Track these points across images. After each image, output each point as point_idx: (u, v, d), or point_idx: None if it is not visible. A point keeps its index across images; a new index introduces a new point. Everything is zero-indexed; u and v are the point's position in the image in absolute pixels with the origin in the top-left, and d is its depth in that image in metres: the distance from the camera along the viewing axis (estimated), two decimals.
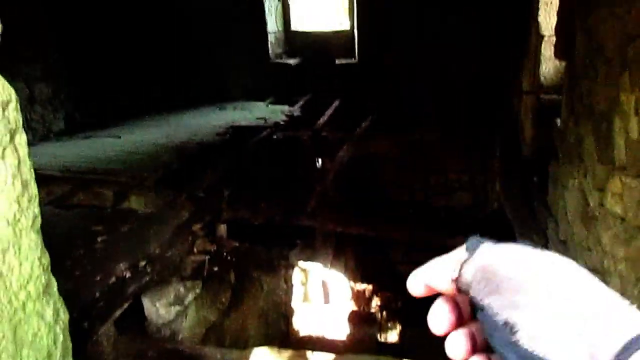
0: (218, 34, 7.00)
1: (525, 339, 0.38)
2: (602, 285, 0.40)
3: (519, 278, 0.41)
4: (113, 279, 2.91)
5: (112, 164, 4.65)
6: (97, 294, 2.76)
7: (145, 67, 6.90)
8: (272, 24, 7.09)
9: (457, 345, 0.45)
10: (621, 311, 0.38)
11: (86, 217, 3.77)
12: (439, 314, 0.46)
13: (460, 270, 0.43)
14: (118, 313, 2.82)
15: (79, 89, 6.14)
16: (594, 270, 2.42)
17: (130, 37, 6.66)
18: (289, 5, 7.35)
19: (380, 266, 7.34)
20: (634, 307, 0.39)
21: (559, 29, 3.35)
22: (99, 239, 3.37)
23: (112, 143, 5.36)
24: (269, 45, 7.05)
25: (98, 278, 2.88)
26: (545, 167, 3.53)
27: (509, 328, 0.39)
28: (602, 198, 2.34)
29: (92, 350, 2.60)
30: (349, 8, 7.11)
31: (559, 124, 3.32)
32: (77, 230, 3.53)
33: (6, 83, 1.22)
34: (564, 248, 2.89)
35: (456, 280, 0.44)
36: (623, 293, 2.11)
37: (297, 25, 7.54)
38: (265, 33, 6.96)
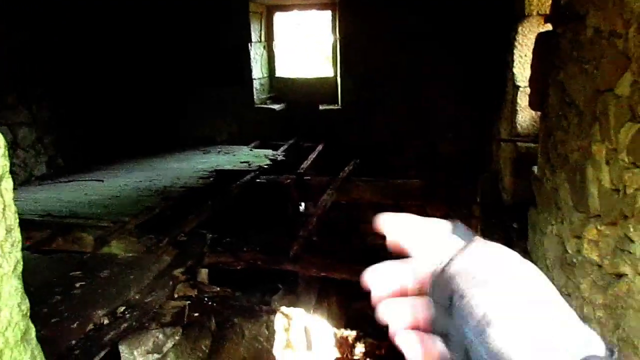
0: (204, 79, 7.14)
1: (497, 335, 0.39)
2: (564, 303, 0.43)
3: (506, 279, 0.42)
4: (90, 326, 2.85)
5: (94, 209, 4.62)
6: (74, 342, 2.69)
7: (129, 111, 6.96)
8: (258, 71, 7.25)
9: (400, 312, 0.45)
10: (579, 330, 0.41)
11: (65, 262, 3.71)
12: (388, 272, 0.47)
13: (453, 258, 0.43)
14: None
15: (62, 134, 6.14)
16: None
17: (114, 82, 6.74)
18: (274, 53, 7.55)
19: (364, 312, 7.26)
20: (588, 328, 0.42)
21: (533, 82, 3.50)
22: (78, 285, 3.31)
23: (95, 187, 5.33)
24: (254, 91, 7.19)
25: (75, 325, 2.82)
26: (524, 214, 3.60)
27: (485, 321, 0.40)
28: (579, 245, 2.39)
29: None
30: (333, 56, 7.33)
31: (536, 172, 3.41)
32: (55, 275, 3.47)
33: None
34: None
35: (441, 270, 0.43)
36: (602, 339, 2.13)
37: (281, 72, 7.72)
38: (250, 79, 7.11)
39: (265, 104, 7.38)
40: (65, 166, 6.14)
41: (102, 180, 5.59)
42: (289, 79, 7.66)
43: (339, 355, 5.99)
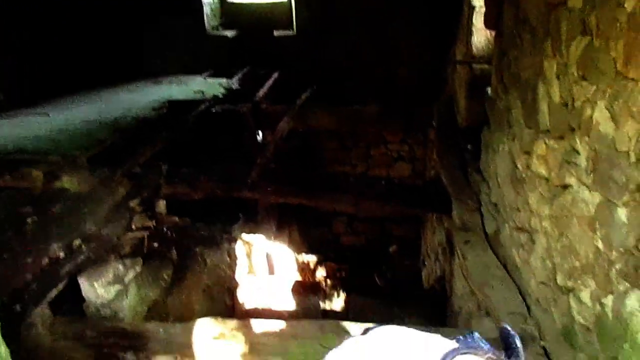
0: (152, 6, 6.73)
1: None
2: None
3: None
4: (46, 260, 2.80)
5: (41, 143, 4.42)
6: (29, 276, 2.65)
7: (76, 42, 6.54)
8: None
9: None
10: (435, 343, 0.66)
11: (14, 199, 3.58)
12: None
13: None
14: (53, 294, 2.72)
15: (2, 66, 5.74)
16: (522, 229, 2.56)
17: (58, 9, 6.28)
18: None
19: (324, 237, 7.44)
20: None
21: (488, 1, 3.45)
22: (29, 220, 3.22)
23: (41, 122, 5.08)
24: (205, 17, 6.85)
25: (29, 260, 2.76)
26: (478, 135, 3.67)
27: None
28: (528, 161, 2.47)
29: (26, 333, 2.51)
30: None
31: (489, 93, 3.44)
32: (4, 213, 3.35)
33: None
34: (495, 209, 3.04)
35: None
36: (548, 248, 2.25)
37: None
38: (200, 4, 6.76)
39: (217, 30, 7.07)
40: (7, 100, 5.79)
41: (49, 114, 5.33)
42: (241, 3, 7.30)
43: (300, 279, 6.19)
